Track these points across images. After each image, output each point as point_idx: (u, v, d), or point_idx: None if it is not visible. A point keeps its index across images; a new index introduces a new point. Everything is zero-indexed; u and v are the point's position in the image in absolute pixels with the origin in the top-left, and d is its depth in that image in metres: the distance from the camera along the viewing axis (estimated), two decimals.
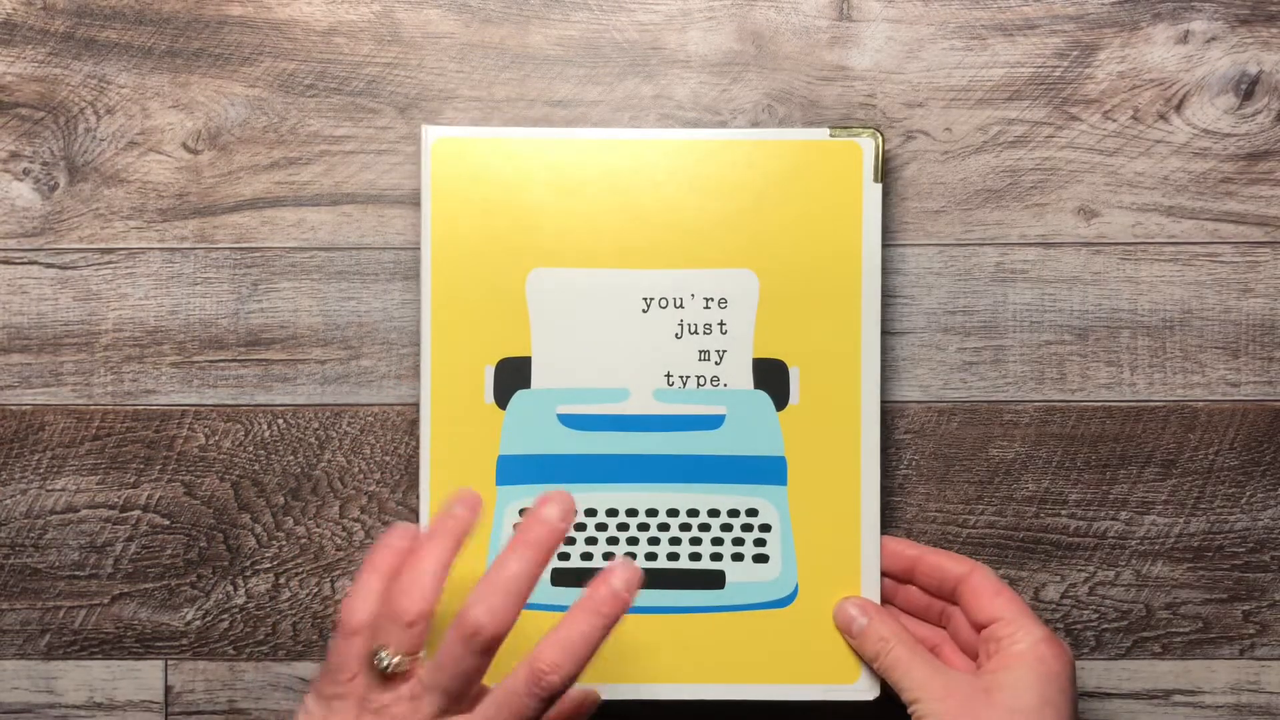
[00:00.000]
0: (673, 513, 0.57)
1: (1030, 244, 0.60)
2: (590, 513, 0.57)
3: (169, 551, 0.60)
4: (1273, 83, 0.60)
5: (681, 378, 0.57)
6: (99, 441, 0.60)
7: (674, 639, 0.56)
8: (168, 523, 0.60)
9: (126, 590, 0.60)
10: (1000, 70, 0.60)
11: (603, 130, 0.57)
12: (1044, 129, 0.60)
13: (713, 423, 0.57)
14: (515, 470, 0.57)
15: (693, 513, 0.57)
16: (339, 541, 0.60)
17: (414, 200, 0.60)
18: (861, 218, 0.57)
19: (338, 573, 0.60)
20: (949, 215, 0.60)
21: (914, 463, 0.60)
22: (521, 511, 0.56)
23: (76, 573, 0.60)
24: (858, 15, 0.60)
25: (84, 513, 0.60)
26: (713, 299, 0.57)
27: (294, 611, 0.60)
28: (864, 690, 0.56)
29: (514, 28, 0.60)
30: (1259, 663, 0.60)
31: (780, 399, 0.57)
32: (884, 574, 0.57)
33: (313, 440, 0.60)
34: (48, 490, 0.60)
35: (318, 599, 0.60)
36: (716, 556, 0.57)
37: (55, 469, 0.60)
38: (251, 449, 0.60)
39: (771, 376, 0.57)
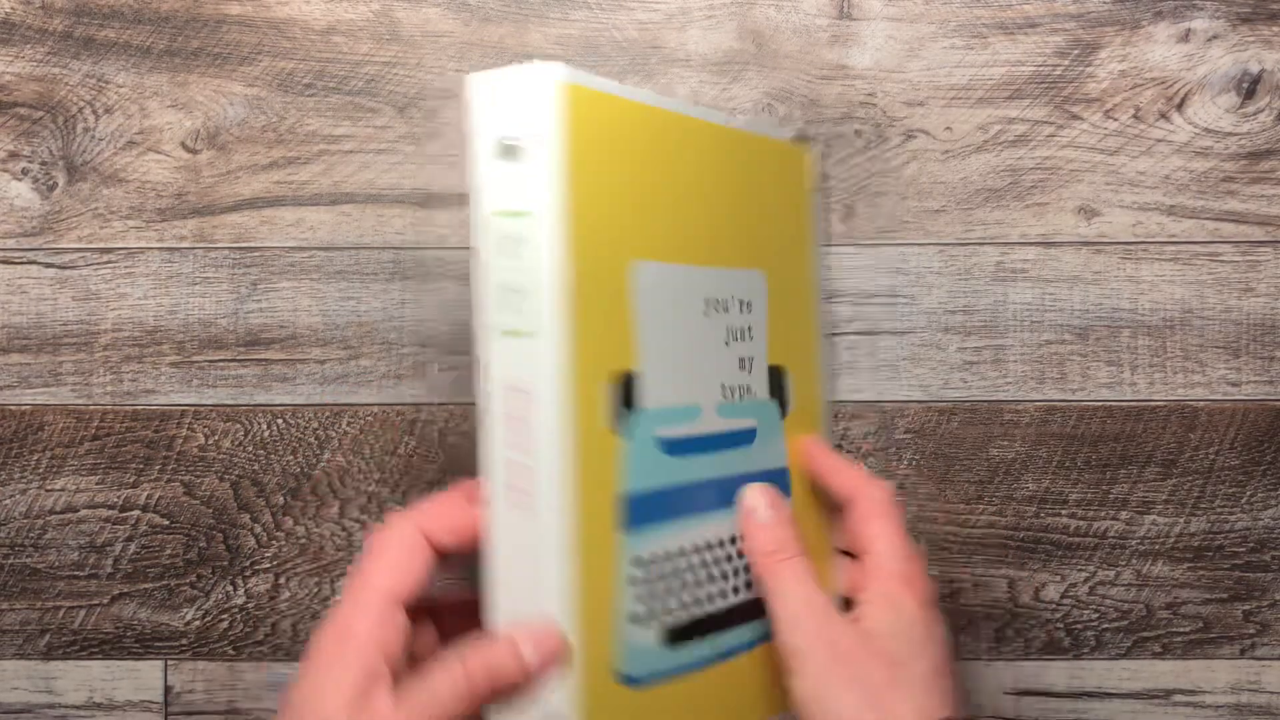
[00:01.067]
0: (732, 540, 0.50)
1: (1031, 243, 0.60)
2: (681, 553, 0.48)
3: (169, 551, 0.60)
4: (1274, 82, 0.60)
5: (730, 389, 0.51)
6: (98, 441, 0.60)
7: (740, 683, 0.50)
8: (167, 523, 0.60)
9: (126, 590, 0.60)
10: (1001, 69, 0.60)
11: (684, 105, 0.50)
12: (1045, 128, 0.60)
13: (748, 438, 0.52)
14: (640, 511, 0.46)
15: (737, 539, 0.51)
16: (339, 541, 0.60)
17: (413, 199, 0.60)
18: (811, 224, 0.56)
19: (337, 573, 0.60)
20: (949, 215, 0.60)
21: (914, 462, 0.60)
22: (638, 561, 0.46)
23: (76, 573, 0.60)
24: (858, 14, 0.60)
25: (83, 513, 0.60)
26: (744, 302, 0.52)
27: (294, 611, 0.60)
28: None
29: (513, 26, 0.60)
30: (1259, 663, 0.60)
31: (784, 407, 0.54)
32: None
33: (312, 440, 0.60)
34: (47, 490, 0.60)
35: (317, 599, 0.60)
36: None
37: (55, 469, 0.60)
38: (251, 449, 0.60)
39: (778, 384, 0.54)
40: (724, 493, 0.50)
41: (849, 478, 0.52)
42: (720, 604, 0.49)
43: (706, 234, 0.50)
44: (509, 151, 0.43)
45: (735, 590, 0.50)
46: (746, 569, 0.50)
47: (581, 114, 0.43)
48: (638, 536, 0.46)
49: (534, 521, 0.43)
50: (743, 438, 0.51)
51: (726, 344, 0.51)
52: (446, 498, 0.47)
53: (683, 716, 0.47)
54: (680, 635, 0.47)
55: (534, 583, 0.43)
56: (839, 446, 0.60)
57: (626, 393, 0.46)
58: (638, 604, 0.46)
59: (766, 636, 0.49)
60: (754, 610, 0.50)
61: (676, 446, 0.48)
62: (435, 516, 0.46)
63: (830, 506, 0.53)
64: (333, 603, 0.60)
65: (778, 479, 0.53)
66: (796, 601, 0.47)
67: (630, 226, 0.46)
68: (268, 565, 0.60)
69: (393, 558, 0.45)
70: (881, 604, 0.48)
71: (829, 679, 0.45)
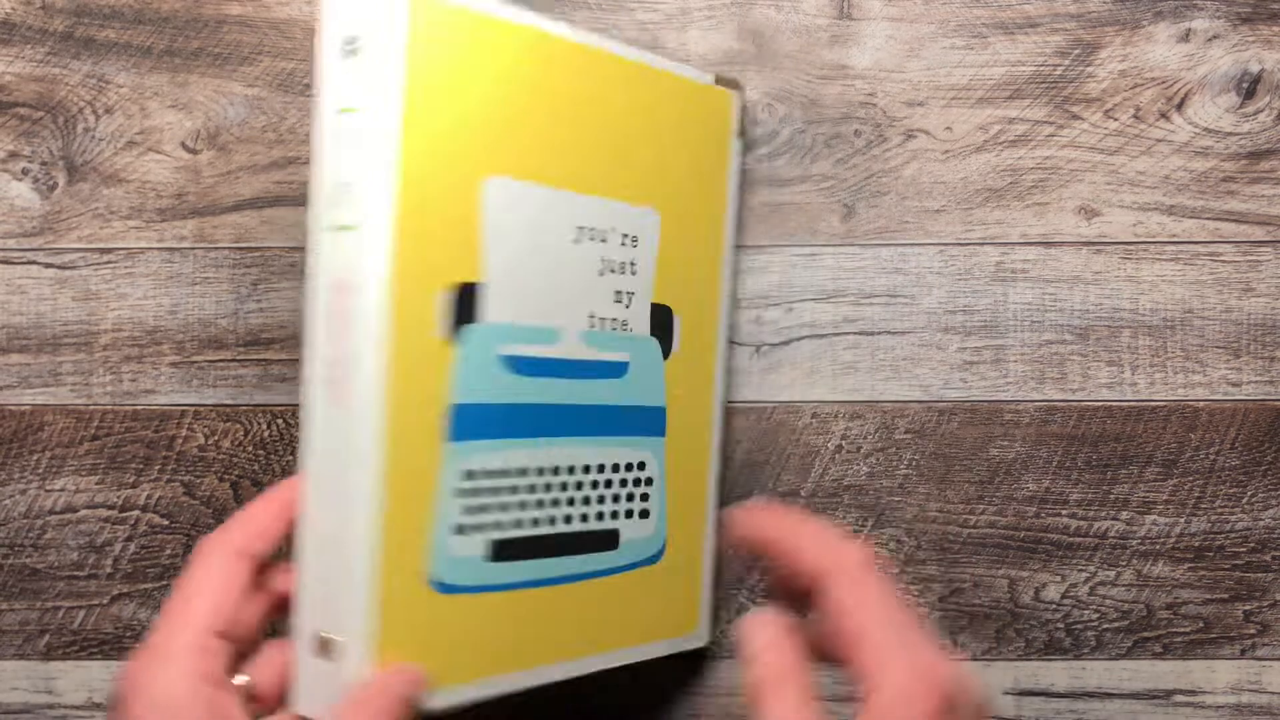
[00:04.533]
0: (586, 469, 0.51)
1: (1031, 243, 0.60)
2: (521, 472, 0.48)
3: (168, 552, 0.60)
4: (1274, 81, 0.60)
5: (601, 320, 0.51)
6: (98, 441, 0.60)
7: (564, 610, 0.50)
8: (167, 523, 0.60)
9: (126, 590, 0.60)
10: (1001, 69, 0.60)
11: (583, 34, 0.49)
12: (1045, 128, 0.60)
13: (619, 370, 0.52)
14: (469, 423, 0.46)
15: (600, 468, 0.51)
16: None
17: None
18: (727, 170, 0.56)
19: None
20: (949, 214, 0.60)
21: (914, 463, 0.60)
22: (468, 474, 0.46)
23: (76, 573, 0.60)
24: (858, 14, 0.60)
25: (83, 513, 0.60)
26: (628, 236, 0.52)
27: None
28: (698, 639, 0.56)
29: None
30: (1260, 663, 0.60)
31: (666, 347, 0.54)
32: (738, 543, 0.48)
33: None
34: (47, 490, 0.60)
35: None
36: (614, 514, 0.52)
37: (54, 469, 0.60)
38: (251, 449, 0.60)
39: (661, 323, 0.54)
40: (580, 420, 0.50)
41: (814, 552, 0.44)
42: (551, 529, 0.49)
43: (587, 162, 0.50)
44: (350, 49, 0.44)
45: (569, 519, 0.50)
46: (588, 500, 0.51)
47: (428, 19, 0.44)
48: (467, 448, 0.46)
49: (349, 418, 0.43)
50: (610, 370, 0.51)
51: (600, 274, 0.51)
52: (258, 506, 0.47)
53: (496, 630, 0.47)
54: (505, 552, 0.48)
55: (344, 481, 0.43)
56: (839, 447, 0.60)
57: (464, 303, 0.45)
58: (465, 515, 0.46)
59: (603, 572, 0.51)
60: (592, 543, 0.51)
61: (524, 365, 0.48)
62: (248, 531, 0.46)
63: (797, 592, 0.45)
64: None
65: (651, 417, 0.54)
66: None
67: (487, 142, 0.46)
68: None
69: (209, 591, 0.45)
70: (887, 707, 0.40)
71: None
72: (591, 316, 0.51)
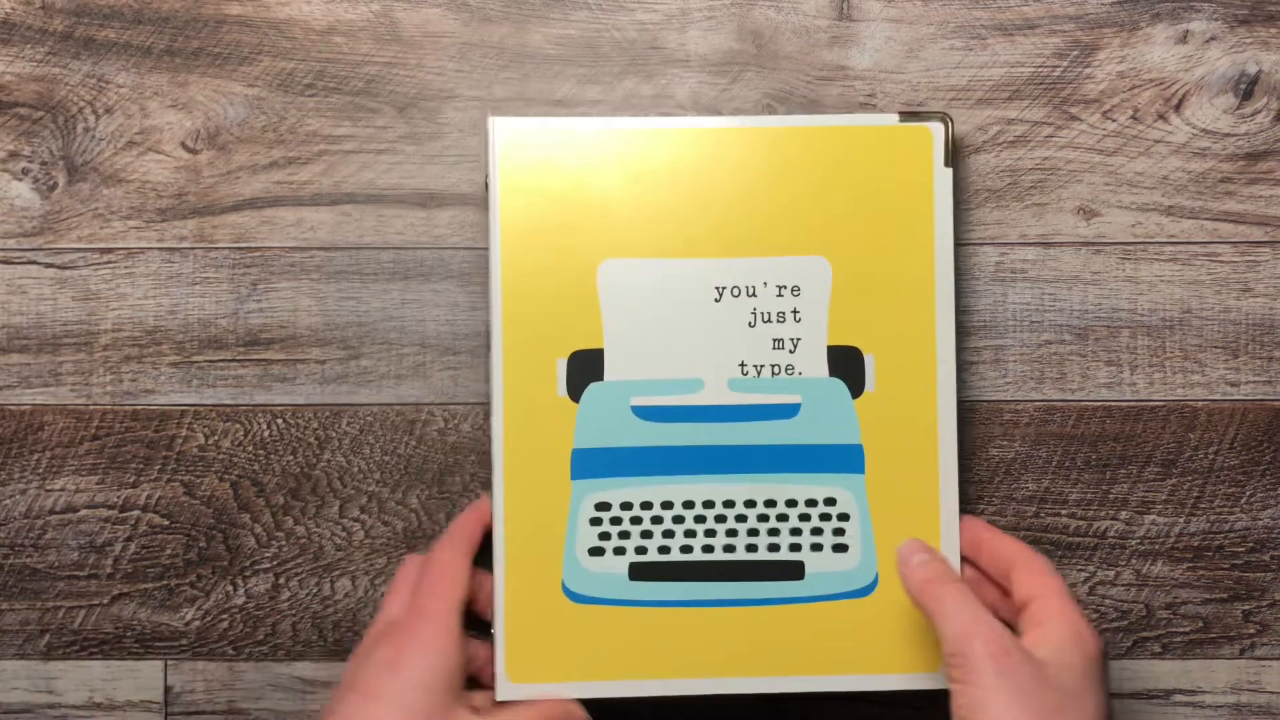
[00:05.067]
0: (750, 504, 0.56)
1: (1030, 244, 0.60)
2: (667, 505, 0.56)
3: (168, 551, 0.60)
4: (1272, 82, 0.60)
5: (756, 367, 0.56)
6: (98, 441, 0.60)
7: (753, 631, 0.56)
8: (167, 523, 0.60)
9: (126, 590, 0.60)
10: (1000, 70, 0.60)
11: (669, 119, 0.57)
12: (1044, 129, 0.60)
13: (788, 411, 0.56)
14: (590, 464, 0.56)
15: (770, 503, 0.56)
16: (339, 541, 0.60)
17: (413, 199, 0.60)
18: (933, 203, 0.56)
19: (337, 572, 0.60)
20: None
21: None
22: (598, 506, 0.56)
23: (76, 573, 0.60)
24: (857, 15, 0.60)
25: (83, 513, 0.60)
26: (785, 286, 0.56)
27: (293, 611, 0.60)
28: (943, 680, 0.55)
29: (513, 27, 0.60)
30: (1259, 662, 0.60)
31: (856, 386, 0.56)
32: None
33: (312, 440, 0.60)
34: (47, 490, 0.60)
35: (317, 599, 0.60)
36: (795, 547, 0.56)
37: (55, 469, 0.60)
38: (251, 449, 0.60)
39: (847, 364, 0.56)
40: (735, 460, 0.56)
41: (1012, 546, 0.54)
42: (684, 556, 0.56)
43: (715, 231, 0.56)
44: (487, 190, 0.57)
45: (708, 549, 0.56)
46: (755, 533, 0.56)
47: (516, 158, 0.56)
48: (592, 485, 0.56)
49: (492, 470, 0.56)
50: (776, 411, 0.56)
51: (751, 325, 0.56)
52: (468, 516, 0.56)
53: (636, 639, 0.55)
54: (644, 573, 0.56)
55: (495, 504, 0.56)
56: None
57: (583, 366, 0.56)
58: (600, 540, 0.56)
59: (786, 600, 0.56)
60: (769, 572, 0.56)
61: (654, 413, 0.56)
62: (469, 535, 0.56)
63: (995, 575, 0.55)
64: (332, 603, 0.60)
65: (840, 455, 0.56)
66: (965, 617, 0.49)
67: (596, 231, 0.56)
68: (268, 565, 0.60)
69: (447, 581, 0.53)
70: (1058, 640, 0.49)
71: (996, 693, 0.47)
72: (743, 365, 0.56)
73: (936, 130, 0.56)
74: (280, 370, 0.60)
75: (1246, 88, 0.60)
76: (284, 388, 0.60)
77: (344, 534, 0.60)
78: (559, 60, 0.60)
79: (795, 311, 0.56)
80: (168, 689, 0.60)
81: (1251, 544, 0.60)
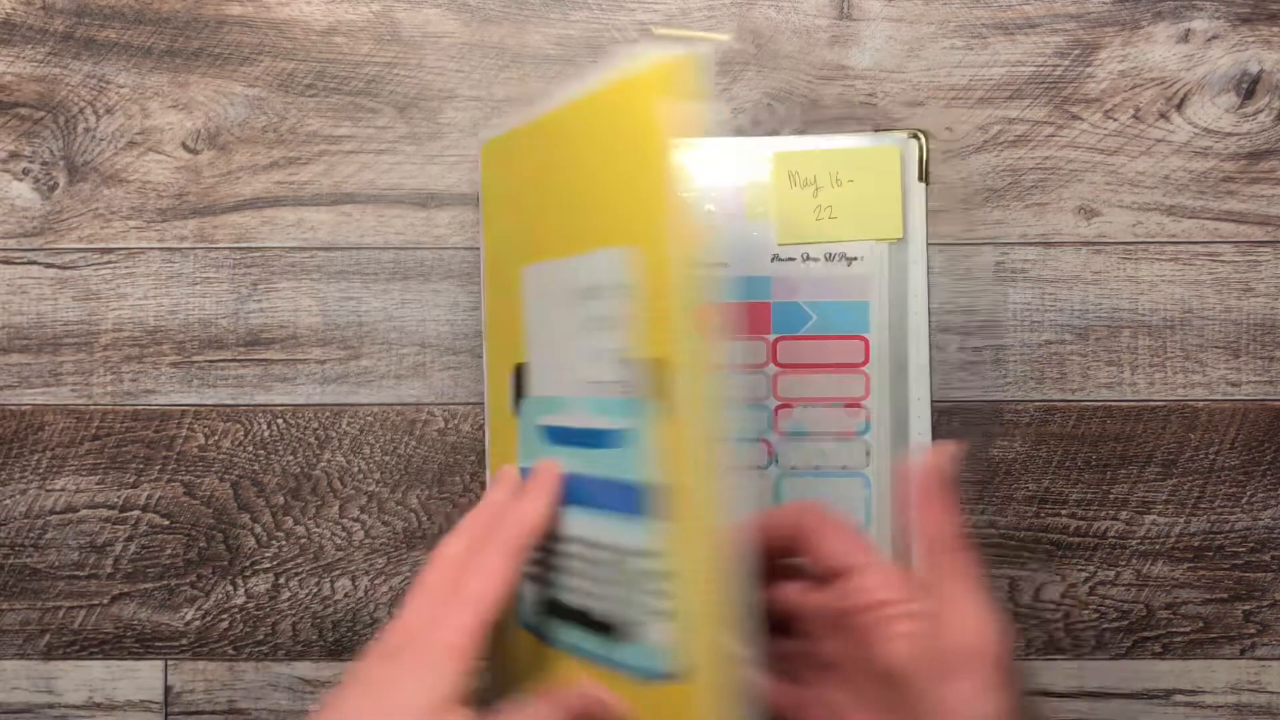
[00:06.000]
0: (589, 544, 0.45)
1: (1030, 243, 0.60)
2: (557, 539, 0.47)
3: (169, 551, 0.60)
4: (1274, 82, 0.60)
5: (602, 384, 0.44)
6: (99, 441, 0.60)
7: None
8: (167, 523, 0.60)
9: (126, 590, 0.60)
10: (1001, 69, 0.60)
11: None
12: (1045, 128, 0.60)
13: (616, 439, 0.44)
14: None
15: (593, 544, 0.45)
16: (339, 541, 0.60)
17: (413, 199, 0.60)
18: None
19: (337, 572, 0.60)
20: (949, 215, 0.60)
21: None
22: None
23: (76, 573, 0.60)
24: (858, 14, 0.60)
25: (84, 513, 0.60)
26: (621, 285, 0.43)
27: (293, 611, 0.60)
28: None
29: (513, 27, 0.60)
30: (1259, 662, 0.60)
31: (657, 408, 0.42)
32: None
33: (312, 440, 0.60)
34: (47, 490, 0.60)
35: (317, 599, 0.60)
36: (603, 599, 0.45)
37: (55, 469, 0.60)
38: (251, 449, 0.60)
39: (653, 381, 0.42)
40: (586, 492, 0.45)
41: (848, 544, 0.45)
42: (570, 598, 0.46)
43: (573, 222, 0.45)
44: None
45: (575, 591, 0.46)
46: (589, 578, 0.45)
47: (490, 162, 0.54)
48: None
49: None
50: (605, 439, 0.43)
51: (591, 333, 0.44)
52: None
53: (537, 675, 0.49)
54: (546, 608, 0.48)
55: None
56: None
57: (517, 381, 0.51)
58: (531, 567, 0.49)
59: (600, 659, 0.45)
60: (592, 624, 0.45)
61: (555, 435, 0.47)
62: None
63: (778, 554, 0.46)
64: (332, 602, 0.60)
65: (629, 496, 0.43)
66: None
67: (521, 234, 0.51)
68: (268, 565, 0.60)
69: (492, 565, 0.44)
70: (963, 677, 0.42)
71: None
72: (596, 381, 0.44)
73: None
74: (280, 370, 0.60)
75: (1248, 87, 0.60)
76: (284, 388, 0.60)
77: (344, 534, 0.60)
78: (559, 60, 0.60)
79: (618, 316, 0.43)
80: (168, 689, 0.60)
81: (1252, 544, 0.60)
